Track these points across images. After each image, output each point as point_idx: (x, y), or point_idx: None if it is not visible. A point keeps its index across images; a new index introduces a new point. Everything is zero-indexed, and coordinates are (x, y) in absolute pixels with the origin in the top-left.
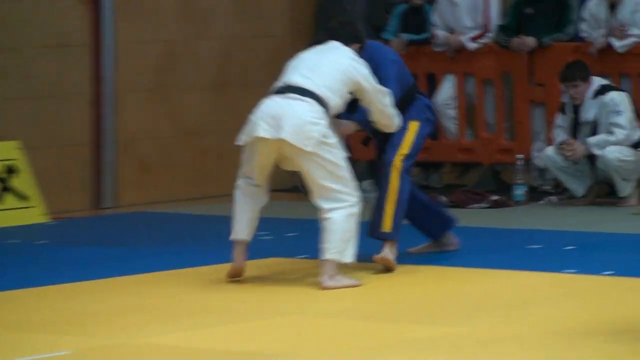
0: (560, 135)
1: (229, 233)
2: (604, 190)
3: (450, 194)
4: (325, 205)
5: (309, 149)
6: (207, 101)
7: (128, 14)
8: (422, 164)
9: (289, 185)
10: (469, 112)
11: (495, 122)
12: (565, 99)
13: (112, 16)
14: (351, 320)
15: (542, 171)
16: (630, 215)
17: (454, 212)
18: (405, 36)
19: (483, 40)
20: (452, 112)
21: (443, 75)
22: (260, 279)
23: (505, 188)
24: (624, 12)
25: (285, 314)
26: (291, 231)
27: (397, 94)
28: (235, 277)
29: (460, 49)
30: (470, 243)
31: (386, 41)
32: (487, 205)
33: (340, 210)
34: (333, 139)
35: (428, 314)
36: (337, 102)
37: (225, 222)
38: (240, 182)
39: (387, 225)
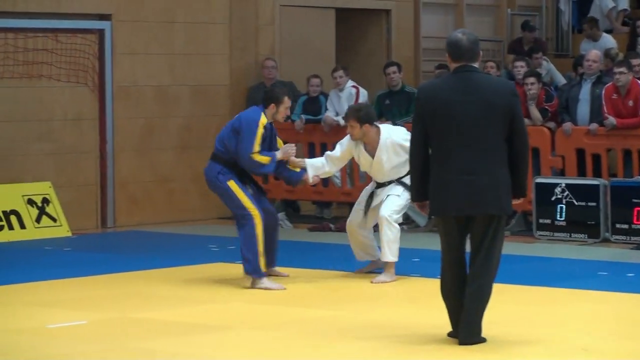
0: None
1: (191, 245)
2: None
3: (336, 222)
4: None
5: None
6: (175, 158)
7: (121, 99)
8: (318, 202)
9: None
10: (350, 168)
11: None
12: None
13: (111, 100)
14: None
15: None
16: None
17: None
18: (305, 117)
19: None
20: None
21: (332, 144)
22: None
23: None
24: None
25: (224, 301)
26: (233, 244)
27: None
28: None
29: (336, 126)
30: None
31: (292, 121)
32: None
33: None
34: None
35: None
36: None
37: (183, 239)
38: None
39: None
